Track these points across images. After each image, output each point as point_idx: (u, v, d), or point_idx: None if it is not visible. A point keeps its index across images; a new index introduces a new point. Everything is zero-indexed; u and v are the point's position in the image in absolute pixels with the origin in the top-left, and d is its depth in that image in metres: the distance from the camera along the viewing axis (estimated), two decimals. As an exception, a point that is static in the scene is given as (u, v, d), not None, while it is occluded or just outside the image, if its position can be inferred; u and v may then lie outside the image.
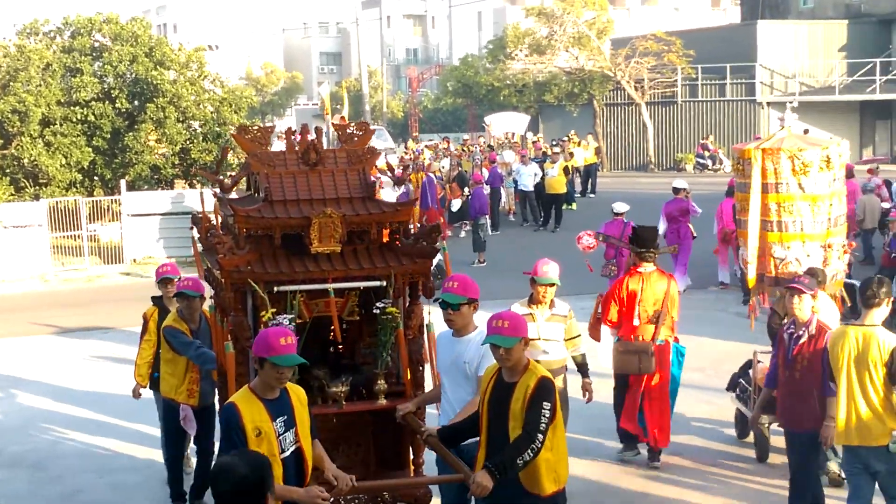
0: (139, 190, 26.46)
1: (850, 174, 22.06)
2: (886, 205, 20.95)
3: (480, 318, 6.99)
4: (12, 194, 26.14)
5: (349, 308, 7.06)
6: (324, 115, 37.90)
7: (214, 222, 7.87)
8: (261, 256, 6.90)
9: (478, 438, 6.27)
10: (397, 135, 56.24)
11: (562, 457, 6.20)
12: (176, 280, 9.41)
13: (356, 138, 7.50)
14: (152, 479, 10.19)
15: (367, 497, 6.77)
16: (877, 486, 7.80)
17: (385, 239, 7.14)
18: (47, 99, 26.61)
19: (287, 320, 6.66)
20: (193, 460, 9.60)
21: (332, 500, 5.76)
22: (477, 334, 6.87)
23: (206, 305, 8.60)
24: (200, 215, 7.88)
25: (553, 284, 8.89)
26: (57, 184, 26.20)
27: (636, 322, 9.73)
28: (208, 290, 8.11)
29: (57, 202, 24.57)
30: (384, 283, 6.93)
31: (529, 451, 5.87)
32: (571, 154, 32.85)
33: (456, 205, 24.34)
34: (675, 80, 46.62)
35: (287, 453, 5.85)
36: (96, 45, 28.56)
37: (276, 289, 6.79)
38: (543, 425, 5.91)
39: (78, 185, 26.91)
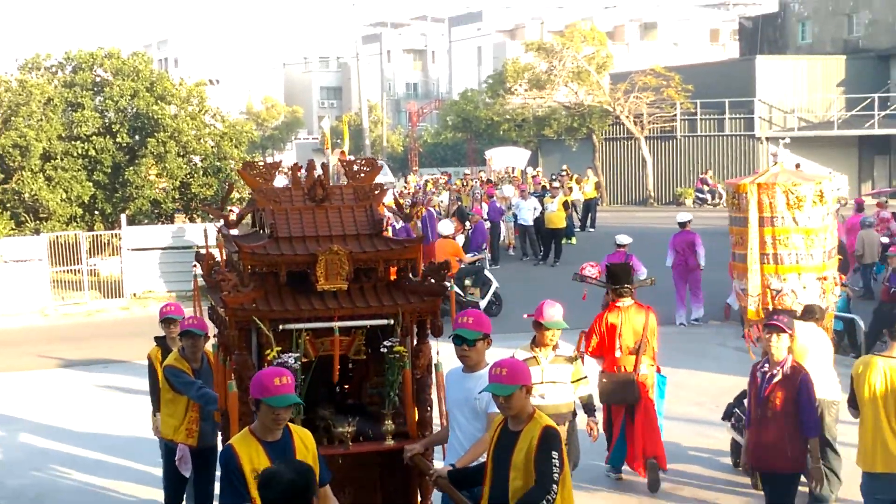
0: (139, 224, 26.43)
1: (860, 208, 22.15)
2: (885, 240, 20.95)
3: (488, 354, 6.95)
4: (13, 229, 26.10)
5: (356, 347, 6.94)
6: (324, 149, 37.96)
7: (218, 259, 7.80)
8: (266, 294, 6.81)
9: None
10: (397, 169, 56.32)
11: None
12: (180, 320, 9.24)
13: (363, 174, 7.43)
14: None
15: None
16: None
17: (392, 276, 7.05)
18: (48, 133, 26.63)
19: (292, 359, 6.57)
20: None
21: None
22: (488, 370, 6.77)
23: (209, 344, 8.52)
24: (204, 251, 7.80)
25: (558, 329, 8.68)
26: (57, 218, 26.17)
27: (618, 354, 10.23)
28: (211, 329, 8.03)
29: (57, 236, 24.52)
30: (391, 322, 6.82)
31: (544, 502, 5.75)
32: (570, 189, 32.87)
33: (459, 240, 24.27)
34: (674, 115, 46.76)
35: None
36: (98, 79, 28.62)
37: (281, 327, 6.70)
38: (556, 475, 5.78)
39: (78, 220, 26.87)
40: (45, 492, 11.14)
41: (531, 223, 28.07)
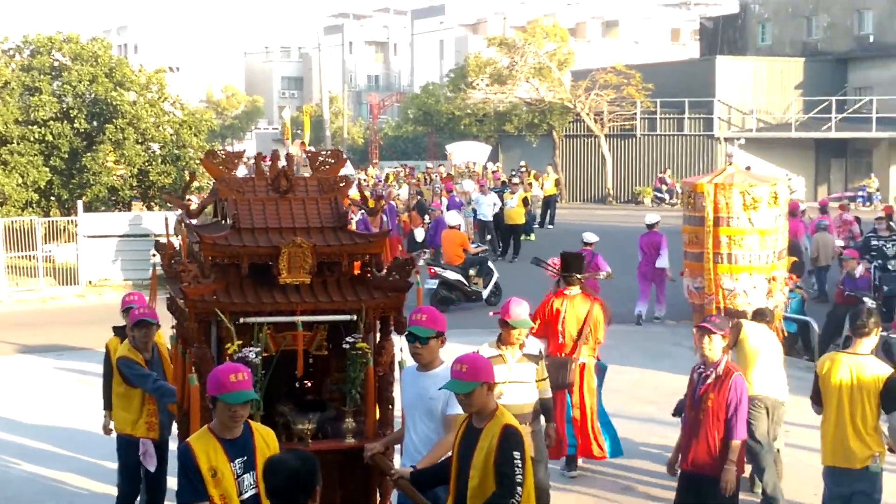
0: (96, 211, 26.12)
1: (823, 210, 22.37)
2: (841, 242, 21.15)
3: (446, 351, 6.88)
4: (-34, 213, 25.73)
5: (317, 342, 6.84)
6: (284, 139, 37.76)
7: (178, 248, 7.68)
8: (227, 286, 6.69)
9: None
10: (357, 161, 56.10)
11: None
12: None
13: (328, 166, 7.34)
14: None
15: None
16: None
17: (356, 271, 6.96)
18: (4, 117, 26.25)
19: (253, 354, 6.47)
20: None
21: None
22: (443, 369, 6.66)
23: (167, 336, 8.36)
24: (162, 240, 7.69)
25: (524, 328, 8.46)
26: (13, 203, 25.80)
27: (560, 339, 10.44)
28: (167, 320, 7.89)
29: (12, 222, 24.18)
30: (355, 318, 6.72)
31: None
32: (530, 185, 32.91)
33: (419, 234, 24.24)
34: (635, 114, 46.95)
35: (246, 496, 5.67)
36: (56, 64, 28.25)
37: (242, 320, 6.58)
38: (519, 477, 5.65)
39: (34, 206, 26.52)
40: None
41: (490, 218, 28.09)
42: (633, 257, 19.99)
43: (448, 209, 27.63)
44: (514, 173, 35.41)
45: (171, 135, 28.08)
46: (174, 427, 8.89)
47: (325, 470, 6.70)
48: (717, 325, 8.10)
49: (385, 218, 24.06)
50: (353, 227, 10.98)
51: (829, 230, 21.65)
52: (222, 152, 7.47)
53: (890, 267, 18.49)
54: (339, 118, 70.44)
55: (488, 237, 28.38)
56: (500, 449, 5.71)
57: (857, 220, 23.62)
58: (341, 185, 7.11)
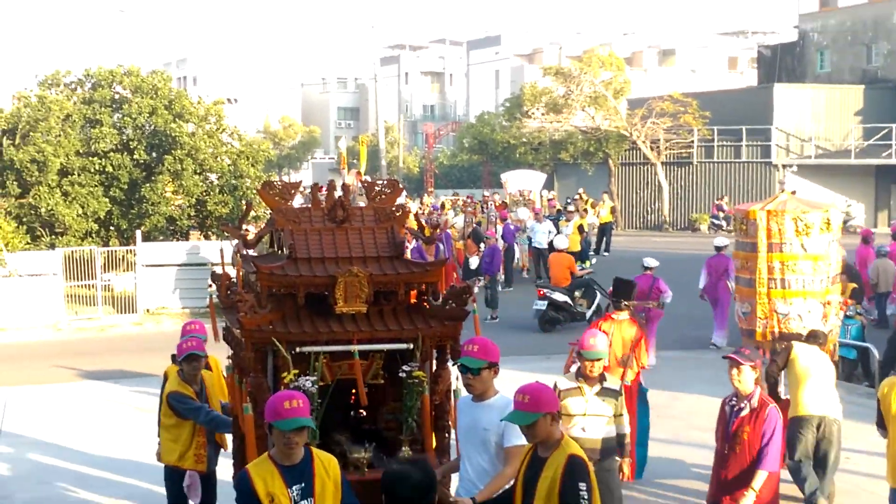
0: (154, 241, 26.43)
1: (865, 240, 22.03)
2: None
3: (500, 381, 6.81)
4: (28, 243, 26.15)
5: (374, 371, 6.81)
6: (340, 169, 37.97)
7: (234, 278, 7.70)
8: (283, 316, 6.69)
9: None
10: (412, 190, 56.33)
11: None
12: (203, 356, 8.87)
13: (384, 196, 7.33)
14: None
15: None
16: None
17: (413, 300, 6.93)
18: (66, 149, 26.72)
19: (309, 383, 6.45)
20: None
21: None
22: (497, 399, 6.62)
23: (223, 366, 8.37)
24: (220, 271, 7.70)
25: (599, 359, 8.43)
26: (73, 233, 26.22)
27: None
28: (224, 349, 7.88)
29: (72, 251, 24.54)
30: (411, 346, 6.67)
31: None
32: (586, 211, 32.78)
33: (474, 262, 24.20)
34: (692, 141, 46.69)
35: None
36: (116, 96, 28.73)
37: (298, 349, 6.56)
38: None
39: (94, 235, 26.91)
40: (54, 508, 11.08)
41: (546, 246, 27.96)
42: (691, 284, 19.82)
43: (503, 237, 27.58)
44: (569, 201, 35.31)
45: (228, 165, 28.37)
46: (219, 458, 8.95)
47: (380, 499, 6.72)
48: (746, 356, 7.99)
49: (441, 246, 24.05)
50: (408, 255, 10.99)
51: (892, 257, 21.26)
52: (279, 183, 7.48)
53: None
54: (394, 148, 70.83)
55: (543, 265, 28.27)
56: (565, 480, 5.62)
57: None
58: (398, 214, 7.09)
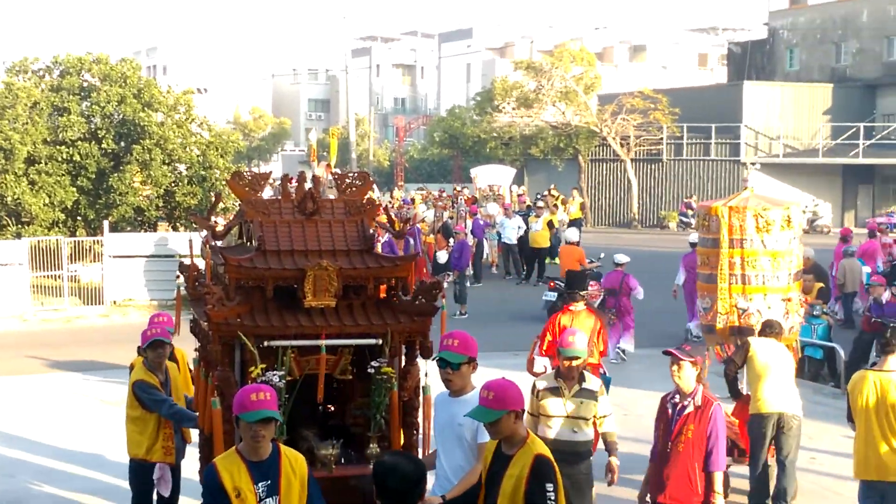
0: (122, 231, 26.21)
1: (844, 240, 22.21)
2: (867, 269, 20.93)
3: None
4: (-7, 232, 25.88)
5: (342, 366, 6.74)
6: (310, 161, 37.82)
7: (203, 270, 7.61)
8: (251, 309, 6.62)
9: None
10: (382, 184, 56.17)
11: None
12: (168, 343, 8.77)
13: (354, 188, 7.27)
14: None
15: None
16: None
17: (382, 295, 6.88)
18: (33, 137, 26.43)
19: (277, 377, 6.39)
20: None
21: None
22: (474, 394, 6.51)
23: (190, 359, 8.29)
24: (188, 263, 7.62)
25: (577, 357, 8.24)
26: (39, 223, 25.94)
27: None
28: (190, 341, 7.80)
29: (39, 241, 24.28)
30: (380, 342, 6.62)
31: None
32: (556, 207, 32.80)
33: (442, 256, 24.18)
34: (661, 138, 46.85)
35: None
36: (85, 84, 28.44)
37: (266, 343, 6.50)
38: None
39: (61, 225, 26.63)
40: (18, 499, 10.96)
41: (515, 242, 28.00)
42: (659, 279, 19.95)
43: (472, 232, 27.56)
44: (539, 197, 35.33)
45: (197, 156, 28.16)
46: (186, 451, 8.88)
47: (348, 496, 6.68)
48: (687, 352, 7.82)
49: (412, 241, 24.01)
50: (379, 249, 10.94)
51: (865, 256, 21.44)
52: (248, 174, 7.40)
53: (920, 295, 18.23)
54: (365, 140, 70.64)
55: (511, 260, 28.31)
56: (531, 480, 5.56)
57: None
58: (368, 207, 7.04)
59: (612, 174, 48.39)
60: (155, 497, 8.86)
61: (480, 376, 6.29)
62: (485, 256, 29.01)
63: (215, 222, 7.67)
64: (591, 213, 46.55)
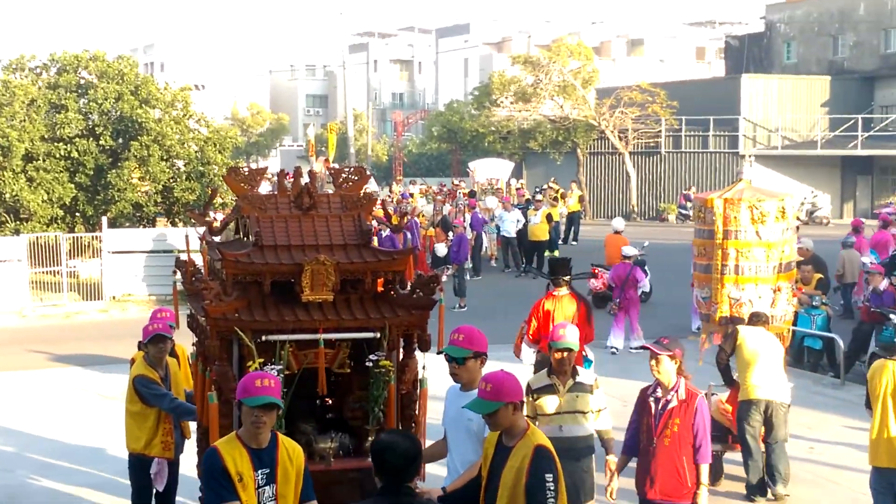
0: (121, 227, 26.22)
1: (856, 230, 22.20)
2: (866, 259, 20.89)
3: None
4: (-8, 229, 25.88)
5: (340, 360, 6.74)
6: (308, 156, 37.84)
7: (199, 265, 7.62)
8: (249, 304, 6.62)
9: None
10: (381, 178, 56.17)
11: None
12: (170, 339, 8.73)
13: (351, 183, 7.27)
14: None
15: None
16: None
17: (380, 288, 6.88)
18: (31, 134, 26.42)
19: (275, 371, 6.38)
20: None
21: None
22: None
23: (188, 353, 8.30)
24: (185, 258, 7.62)
25: (569, 350, 8.08)
26: (38, 219, 25.95)
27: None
28: (188, 337, 7.81)
29: (37, 237, 24.29)
30: (378, 335, 6.62)
31: None
32: (556, 200, 32.82)
33: (441, 249, 24.19)
34: (659, 131, 46.85)
35: None
36: (82, 82, 28.44)
37: (263, 338, 6.49)
38: (552, 501, 5.50)
39: (59, 221, 26.65)
40: (17, 493, 10.98)
41: (514, 235, 28.01)
42: (660, 271, 19.96)
43: (471, 226, 27.57)
44: (538, 190, 35.33)
45: (195, 152, 28.17)
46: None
47: (347, 489, 6.69)
48: (665, 345, 7.62)
49: (409, 235, 24.02)
50: (375, 243, 11.00)
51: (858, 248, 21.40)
52: (245, 169, 7.39)
53: (920, 285, 18.23)
54: (363, 136, 70.62)
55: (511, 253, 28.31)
56: (531, 472, 5.55)
57: None
58: (365, 202, 7.04)
59: (610, 167, 48.40)
60: (154, 491, 8.87)
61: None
62: (484, 250, 29.04)
63: (213, 218, 7.67)
64: (590, 205, 46.55)
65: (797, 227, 21.21)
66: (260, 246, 6.74)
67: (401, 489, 5.16)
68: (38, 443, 12.88)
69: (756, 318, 10.77)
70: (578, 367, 8.43)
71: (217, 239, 7.44)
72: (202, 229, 7.44)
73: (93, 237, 25.61)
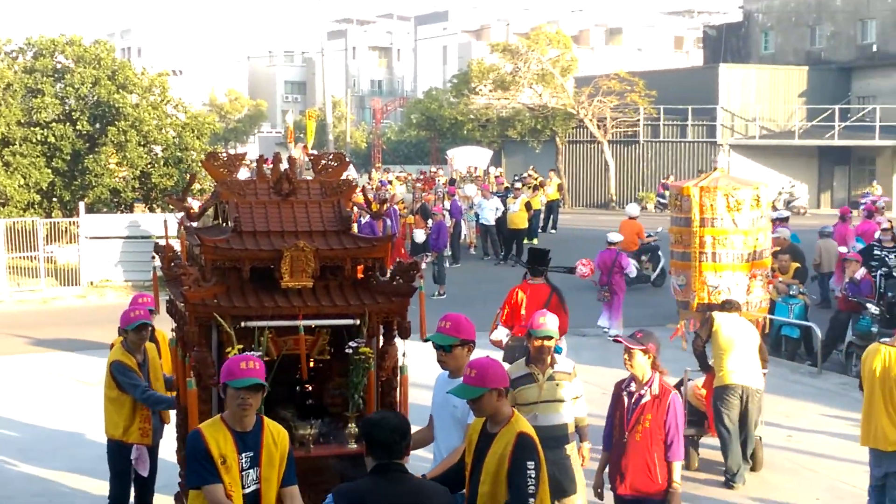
0: (98, 212, 26.09)
1: (843, 218, 22.34)
2: (844, 249, 21.00)
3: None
4: (-33, 214, 25.70)
5: (320, 347, 6.75)
6: (287, 143, 37.75)
7: (178, 251, 7.60)
8: (228, 290, 6.60)
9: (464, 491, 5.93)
10: (360, 165, 56.03)
11: None
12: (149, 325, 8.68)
13: (330, 169, 7.26)
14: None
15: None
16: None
17: (360, 275, 6.88)
18: (7, 119, 26.24)
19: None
20: None
21: None
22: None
23: (167, 339, 8.28)
24: (163, 243, 7.59)
25: (549, 338, 8.02)
26: (15, 204, 25.80)
27: (522, 324, 11.07)
28: (167, 322, 7.79)
29: (14, 223, 24.15)
30: (357, 322, 6.62)
31: None
32: (535, 189, 32.85)
33: (420, 237, 24.20)
34: (638, 120, 46.92)
35: (248, 490, 5.67)
36: (59, 66, 28.25)
37: (243, 324, 6.48)
38: (532, 488, 5.53)
39: (36, 206, 26.51)
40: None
41: (493, 223, 28.04)
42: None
43: (451, 213, 27.58)
44: (517, 178, 35.34)
45: (173, 137, 28.05)
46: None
47: (326, 475, 6.70)
48: (638, 339, 7.50)
49: (389, 222, 24.00)
50: (355, 229, 10.99)
51: (837, 238, 21.52)
52: (224, 154, 7.35)
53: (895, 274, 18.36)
54: (341, 122, 70.44)
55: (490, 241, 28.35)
56: (512, 459, 5.59)
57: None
58: (345, 188, 7.03)
59: (589, 156, 48.45)
60: (133, 476, 8.85)
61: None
62: (463, 237, 29.06)
63: (190, 204, 7.64)
64: (568, 194, 46.61)
65: (786, 219, 21.41)
66: (239, 232, 6.73)
67: (391, 465, 5.14)
68: (17, 428, 12.84)
69: (729, 305, 10.82)
70: (556, 356, 8.33)
71: (196, 225, 7.42)
72: (181, 215, 7.42)
73: (70, 222, 25.49)
